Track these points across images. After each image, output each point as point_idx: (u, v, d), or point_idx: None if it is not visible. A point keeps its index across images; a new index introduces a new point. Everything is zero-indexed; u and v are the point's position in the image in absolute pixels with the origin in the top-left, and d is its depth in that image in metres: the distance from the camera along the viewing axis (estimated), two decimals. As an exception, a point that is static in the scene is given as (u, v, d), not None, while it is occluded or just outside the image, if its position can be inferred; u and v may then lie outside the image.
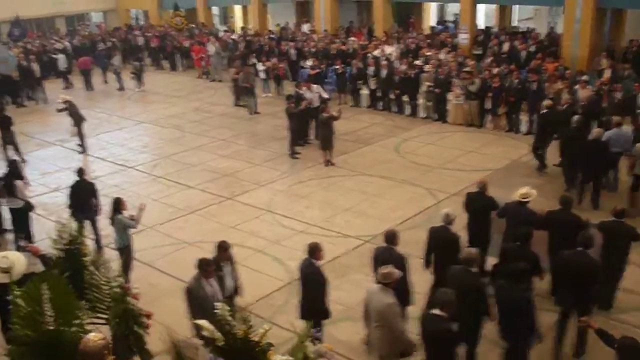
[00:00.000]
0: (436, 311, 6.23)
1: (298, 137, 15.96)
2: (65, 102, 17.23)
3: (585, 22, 19.41)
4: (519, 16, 28.92)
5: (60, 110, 17.29)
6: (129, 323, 6.33)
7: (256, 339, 5.47)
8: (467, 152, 15.56)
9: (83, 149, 17.15)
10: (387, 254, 7.68)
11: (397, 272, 6.75)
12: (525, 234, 7.86)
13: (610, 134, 12.20)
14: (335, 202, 12.94)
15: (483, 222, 9.33)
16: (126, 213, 9.53)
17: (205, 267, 7.25)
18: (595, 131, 12.27)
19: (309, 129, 16.88)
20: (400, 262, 7.47)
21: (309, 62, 21.58)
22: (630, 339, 5.82)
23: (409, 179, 14.00)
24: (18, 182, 11.40)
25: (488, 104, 17.14)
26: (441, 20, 30.72)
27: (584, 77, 16.39)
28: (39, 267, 7.20)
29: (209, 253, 10.75)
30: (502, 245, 8.12)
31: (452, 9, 30.48)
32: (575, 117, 13.00)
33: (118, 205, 9.43)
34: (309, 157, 15.43)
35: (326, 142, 14.91)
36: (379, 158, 15.51)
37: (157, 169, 15.45)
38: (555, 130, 13.56)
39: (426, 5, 29.67)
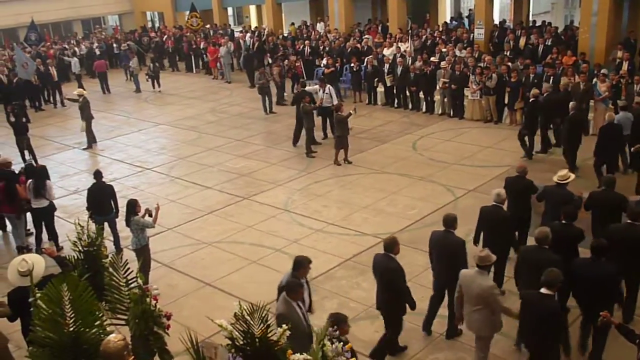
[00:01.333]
0: (544, 290, 6.37)
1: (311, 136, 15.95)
2: (81, 95, 17.55)
3: (602, 15, 19.16)
4: (535, 10, 28.66)
5: (70, 99, 17.66)
6: (148, 324, 6.38)
7: (275, 338, 5.48)
8: (484, 147, 15.46)
9: (89, 143, 17.76)
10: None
11: (493, 256, 7.00)
12: (571, 212, 8.03)
13: (619, 117, 12.55)
14: (353, 200, 12.92)
15: (523, 205, 9.58)
16: (140, 215, 9.58)
17: (296, 289, 6.68)
18: (608, 115, 12.63)
19: (326, 128, 16.91)
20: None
21: (324, 61, 21.57)
22: None
23: (426, 176, 13.94)
24: (48, 182, 11.58)
25: (505, 99, 17.02)
26: (456, 16, 30.57)
27: (603, 71, 16.22)
28: (57, 269, 7.26)
29: (228, 253, 10.90)
30: (548, 224, 8.08)
31: (468, 4, 30.34)
32: (572, 104, 13.40)
33: (134, 207, 9.48)
34: (325, 156, 15.42)
35: (341, 142, 14.89)
36: (396, 155, 15.46)
37: (174, 170, 15.53)
38: (549, 116, 14.38)
39: (441, 0, 29.50)
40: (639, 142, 12.11)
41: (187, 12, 30.03)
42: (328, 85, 16.81)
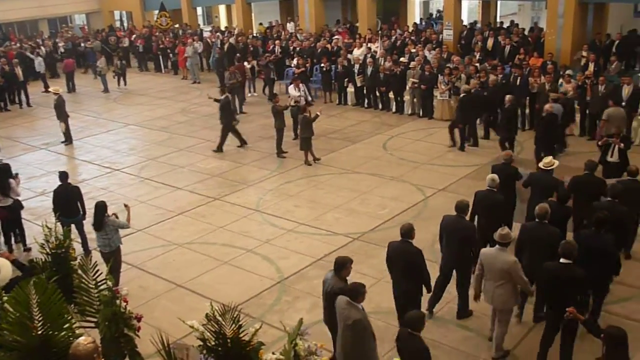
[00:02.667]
0: (563, 260, 6.90)
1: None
2: (56, 93, 17.40)
3: (567, 17, 19.50)
4: (502, 11, 29.03)
5: (46, 91, 17.45)
6: (119, 326, 6.30)
7: (247, 338, 5.48)
8: (452, 148, 15.60)
9: (67, 139, 17.79)
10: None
11: (512, 234, 7.55)
12: (563, 194, 8.94)
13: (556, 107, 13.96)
14: (324, 200, 12.95)
15: (508, 191, 10.06)
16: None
17: (363, 292, 6.57)
18: (546, 107, 13.67)
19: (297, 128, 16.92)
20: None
21: (295, 61, 21.57)
22: (616, 328, 5.91)
23: (397, 176, 14.04)
24: (12, 181, 11.38)
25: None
26: (427, 17, 30.84)
27: (568, 72, 16.53)
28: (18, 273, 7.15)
29: (199, 254, 10.84)
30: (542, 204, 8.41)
31: (437, 5, 30.61)
32: (508, 97, 14.40)
33: (105, 209, 9.36)
34: (297, 156, 15.41)
35: (306, 143, 14.90)
36: (367, 155, 15.54)
37: (144, 171, 15.38)
38: (478, 110, 15.59)
39: (410, 1, 29.70)
40: (566, 127, 14.54)
41: (156, 12, 29.78)
42: (302, 85, 16.85)
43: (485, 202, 9.29)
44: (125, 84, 25.22)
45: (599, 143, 12.38)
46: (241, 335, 5.47)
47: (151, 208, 13.05)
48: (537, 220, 8.05)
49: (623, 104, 14.77)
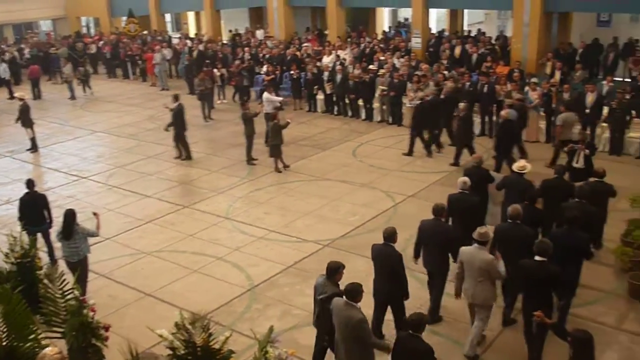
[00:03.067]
0: (538, 258, 7.17)
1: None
2: (22, 99, 17.29)
3: (533, 26, 19.84)
4: (470, 20, 29.43)
5: (11, 98, 17.17)
6: (86, 336, 6.23)
7: (217, 346, 5.45)
8: (424, 154, 15.74)
9: (33, 147, 17.54)
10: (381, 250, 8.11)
11: (491, 233, 7.95)
12: (532, 195, 9.24)
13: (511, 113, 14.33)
14: (295, 208, 12.94)
15: (481, 194, 10.14)
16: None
17: (361, 292, 6.68)
18: (502, 113, 14.34)
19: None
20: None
21: (264, 68, 21.56)
22: (582, 331, 6.01)
23: (367, 183, 14.11)
24: None
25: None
26: (397, 25, 31.08)
27: (533, 80, 16.84)
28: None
29: (169, 262, 10.74)
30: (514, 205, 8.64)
31: (404, 13, 30.90)
32: (462, 105, 14.87)
33: (74, 217, 9.21)
34: (267, 163, 15.39)
35: (275, 150, 14.90)
36: (337, 162, 15.59)
37: (112, 179, 15.20)
38: (435, 118, 15.89)
39: (379, 10, 29.93)
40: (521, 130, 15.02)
41: (124, 18, 29.52)
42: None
43: (459, 204, 9.43)
44: (90, 91, 24.89)
45: (565, 149, 12.64)
46: (211, 343, 5.44)
47: (119, 216, 12.90)
48: (510, 220, 8.27)
49: (587, 111, 15.11)
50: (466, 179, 9.65)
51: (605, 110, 15.23)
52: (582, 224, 8.15)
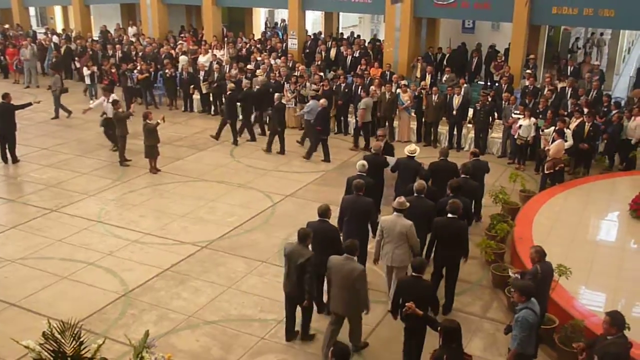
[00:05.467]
0: (450, 215, 8.67)
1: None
2: None
3: (404, 30, 20.64)
4: (344, 23, 30.13)
5: None
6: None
7: (89, 355, 5.23)
8: (300, 154, 15.93)
9: None
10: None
11: (407, 203, 8.77)
12: (427, 174, 10.45)
13: (311, 104, 15.85)
14: (171, 209, 12.66)
15: (377, 178, 11.20)
16: None
17: (359, 247, 7.89)
18: (321, 101, 15.58)
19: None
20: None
21: (138, 67, 20.88)
22: (450, 321, 6.46)
23: (244, 183, 14.07)
24: None
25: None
26: (273, 26, 31.23)
27: (404, 82, 17.56)
28: None
29: (35, 269, 10.15)
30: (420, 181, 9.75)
31: (281, 14, 31.12)
32: (276, 95, 16.11)
33: None
34: (141, 165, 14.94)
35: (151, 151, 14.51)
36: (214, 163, 15.42)
37: (-30, 183, 14.16)
38: (249, 108, 17.24)
39: (255, 10, 29.93)
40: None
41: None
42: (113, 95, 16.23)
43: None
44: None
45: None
46: (83, 352, 5.21)
47: (-22, 222, 12.04)
48: (415, 194, 9.36)
49: (454, 112, 15.96)
50: (364, 162, 10.58)
51: (470, 112, 16.16)
52: (462, 193, 9.50)
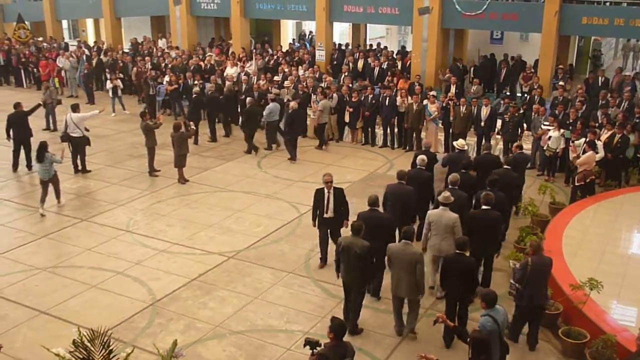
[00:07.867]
0: (484, 207, 9.38)
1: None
2: None
3: (431, 41, 20.63)
4: (371, 34, 30.15)
5: None
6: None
7: (118, 363, 5.28)
8: (327, 165, 15.93)
9: None
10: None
11: (452, 197, 9.35)
12: (469, 163, 11.64)
13: (271, 107, 16.94)
14: (198, 219, 12.75)
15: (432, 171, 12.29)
16: None
17: (414, 230, 8.72)
18: (292, 104, 16.64)
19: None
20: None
21: (167, 78, 21.13)
22: (478, 332, 6.55)
23: (271, 194, 14.11)
24: None
25: (346, 118, 17.75)
26: (298, 38, 31.37)
27: (432, 93, 17.48)
28: None
29: (65, 278, 10.29)
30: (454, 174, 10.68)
31: (309, 26, 31.26)
32: (249, 99, 17.21)
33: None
34: (169, 175, 15.08)
35: (182, 160, 14.66)
36: (241, 174, 15.50)
37: (4, 192, 14.40)
38: (213, 111, 18.39)
39: (284, 22, 30.13)
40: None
41: (14, 23, 28.19)
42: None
43: (417, 179, 11.06)
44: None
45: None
46: (111, 360, 5.26)
47: (11, 231, 12.23)
48: (450, 187, 10.20)
49: (482, 123, 15.84)
50: (424, 157, 11.51)
51: (499, 123, 16.03)
52: (500, 186, 10.29)
